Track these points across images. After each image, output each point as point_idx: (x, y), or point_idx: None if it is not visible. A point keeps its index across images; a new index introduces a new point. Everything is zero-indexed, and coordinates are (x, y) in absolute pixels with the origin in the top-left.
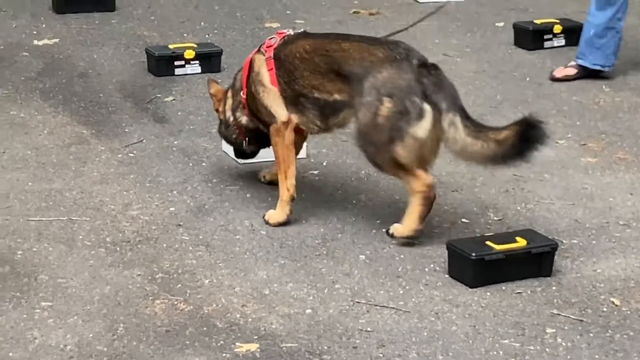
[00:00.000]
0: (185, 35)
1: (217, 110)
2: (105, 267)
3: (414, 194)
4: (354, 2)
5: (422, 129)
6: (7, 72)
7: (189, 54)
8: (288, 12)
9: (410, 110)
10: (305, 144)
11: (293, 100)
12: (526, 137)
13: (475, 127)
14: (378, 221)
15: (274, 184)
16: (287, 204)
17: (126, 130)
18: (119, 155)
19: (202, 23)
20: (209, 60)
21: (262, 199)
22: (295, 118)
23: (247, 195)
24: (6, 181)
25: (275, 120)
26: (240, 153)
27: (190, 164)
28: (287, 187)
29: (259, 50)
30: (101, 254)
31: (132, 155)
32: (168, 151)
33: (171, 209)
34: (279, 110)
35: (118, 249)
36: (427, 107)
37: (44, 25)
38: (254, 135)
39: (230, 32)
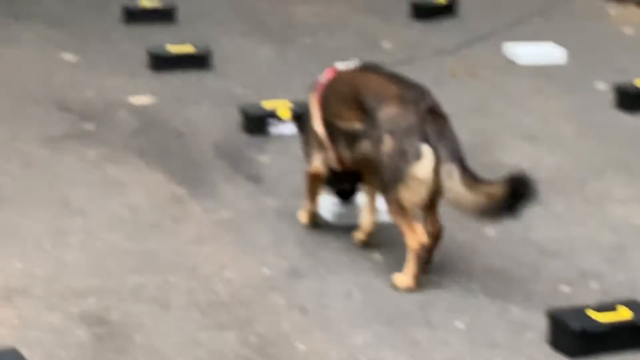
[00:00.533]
0: (280, 94)
1: None
2: (200, 329)
3: (409, 249)
4: (450, 62)
5: (422, 169)
6: (104, 130)
7: (284, 113)
8: None
9: (408, 150)
10: None
11: (328, 131)
12: (516, 192)
13: (471, 179)
14: (474, 287)
15: (367, 244)
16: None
17: (221, 190)
18: (214, 216)
19: (297, 82)
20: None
21: (356, 261)
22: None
23: (342, 257)
24: (103, 241)
25: (309, 165)
26: (340, 194)
27: (285, 225)
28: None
29: (313, 89)
30: (196, 316)
31: (226, 215)
32: (262, 212)
33: (265, 270)
34: (314, 157)
35: (212, 311)
36: (426, 149)
37: (141, 84)
38: (340, 172)
39: None
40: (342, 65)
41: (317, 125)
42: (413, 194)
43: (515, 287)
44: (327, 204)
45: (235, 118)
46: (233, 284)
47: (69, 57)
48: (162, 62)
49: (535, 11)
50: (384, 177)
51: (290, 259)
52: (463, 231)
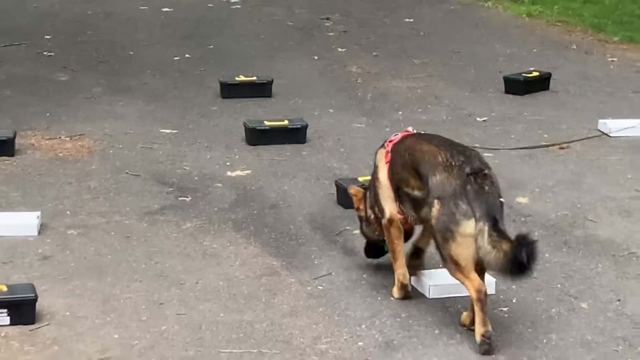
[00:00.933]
0: None
1: (357, 209)
2: None
3: (472, 300)
4: (543, 135)
5: (470, 227)
6: (201, 203)
7: None
8: (476, 144)
9: (455, 212)
10: (495, 279)
11: (397, 191)
12: (520, 251)
13: (497, 236)
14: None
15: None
16: (401, 290)
17: (315, 262)
18: (309, 288)
19: None
20: None
21: (450, 335)
22: (397, 213)
23: (436, 331)
24: (198, 312)
25: (383, 216)
26: (372, 251)
27: (379, 298)
28: (397, 276)
29: (382, 145)
30: None
31: (321, 287)
32: (357, 284)
33: (360, 343)
34: (387, 206)
35: None
36: (471, 210)
37: (237, 157)
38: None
39: None
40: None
41: (385, 178)
42: (464, 250)
43: None
44: (423, 278)
45: (331, 191)
46: (327, 356)
47: (167, 131)
48: (258, 136)
49: (629, 87)
50: (437, 239)
51: (385, 331)
52: (557, 303)
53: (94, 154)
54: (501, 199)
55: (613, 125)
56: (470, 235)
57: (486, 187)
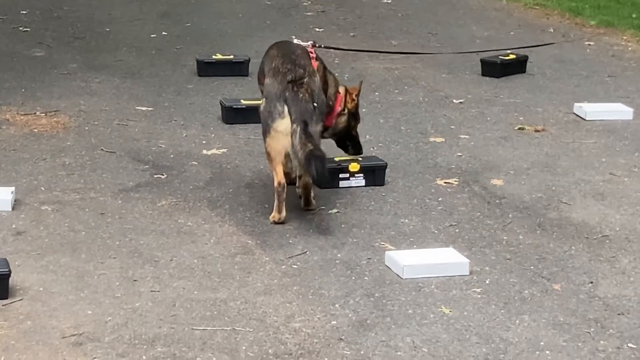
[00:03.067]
0: None
1: None
2: None
3: (273, 187)
4: (519, 118)
5: (282, 125)
6: (176, 180)
7: (354, 167)
8: (452, 126)
9: (273, 111)
10: (468, 261)
11: None
12: (312, 159)
13: (306, 138)
14: (542, 342)
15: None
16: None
17: (290, 241)
18: (283, 267)
19: (367, 136)
20: (373, 173)
21: (424, 315)
22: None
23: (409, 311)
24: (172, 289)
25: None
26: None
27: (353, 277)
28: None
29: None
30: None
31: (295, 266)
32: (331, 264)
33: (333, 322)
34: None
35: None
36: (287, 111)
37: (213, 135)
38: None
39: (395, 145)
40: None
41: None
42: (278, 144)
43: (581, 343)
44: (397, 259)
45: None
46: (300, 335)
47: (143, 108)
48: (234, 115)
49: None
50: (262, 129)
51: (358, 311)
52: (530, 285)
53: (69, 130)
54: (314, 104)
55: (588, 109)
56: (282, 132)
57: (301, 95)
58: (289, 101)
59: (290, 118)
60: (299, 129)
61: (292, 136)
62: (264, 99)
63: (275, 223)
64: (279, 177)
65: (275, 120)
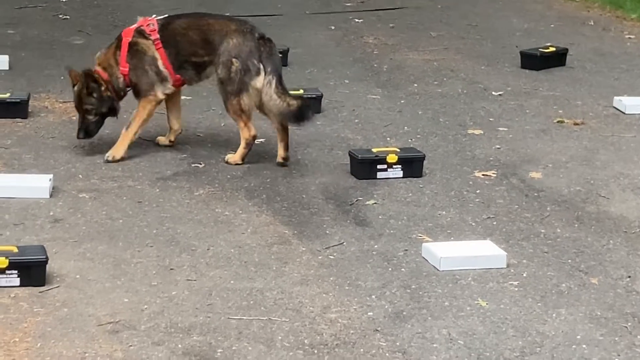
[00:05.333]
0: (388, 139)
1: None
2: None
3: (243, 139)
4: (558, 111)
5: (259, 82)
6: (213, 170)
7: (392, 158)
8: (491, 119)
9: (251, 69)
10: (505, 253)
11: (178, 65)
12: (302, 110)
13: (282, 90)
14: (579, 336)
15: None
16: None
17: (327, 232)
18: (319, 257)
19: (405, 127)
20: (411, 165)
21: (460, 307)
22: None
23: (446, 303)
24: (209, 278)
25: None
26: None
27: (390, 269)
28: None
29: (140, 35)
30: (299, 356)
31: (332, 257)
32: (368, 255)
33: (369, 313)
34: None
35: (316, 351)
36: (262, 67)
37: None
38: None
39: (433, 137)
40: (149, 19)
41: (162, 64)
42: (252, 100)
43: (618, 337)
44: (434, 251)
45: (344, 162)
46: (336, 325)
47: (182, 97)
48: None
49: None
50: (229, 90)
51: (395, 302)
52: (568, 278)
53: (109, 118)
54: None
55: (628, 102)
56: (258, 88)
57: (273, 49)
58: (263, 56)
59: (265, 72)
60: (274, 80)
61: (266, 87)
62: (235, 59)
63: (234, 164)
64: (253, 131)
65: (252, 77)
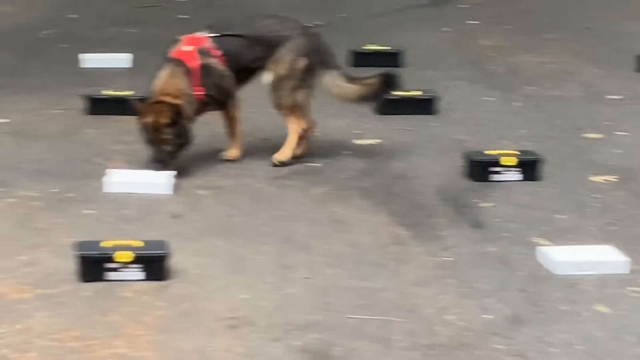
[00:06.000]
0: (503, 141)
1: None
2: None
3: (294, 131)
4: None
5: (325, 78)
6: (329, 170)
7: (509, 161)
8: (609, 123)
9: (316, 66)
10: (629, 259)
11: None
12: (387, 80)
13: (351, 77)
14: None
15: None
16: None
17: (443, 233)
18: (436, 259)
19: (521, 130)
20: (529, 167)
21: (578, 312)
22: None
23: (564, 308)
24: (325, 277)
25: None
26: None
27: (507, 272)
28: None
29: (206, 55)
30: (416, 356)
31: (448, 259)
32: (484, 257)
33: (487, 316)
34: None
35: (433, 353)
36: (324, 63)
37: (366, 126)
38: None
39: (549, 140)
40: (199, 37)
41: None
42: (310, 96)
43: None
44: (551, 254)
45: (459, 164)
46: (454, 327)
47: None
48: (388, 106)
49: None
50: (289, 85)
51: (512, 305)
52: None
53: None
54: None
55: None
56: (325, 83)
57: (327, 46)
58: (323, 53)
59: (328, 67)
60: (338, 72)
61: (333, 81)
62: (301, 57)
63: (283, 164)
64: (304, 124)
65: (318, 74)
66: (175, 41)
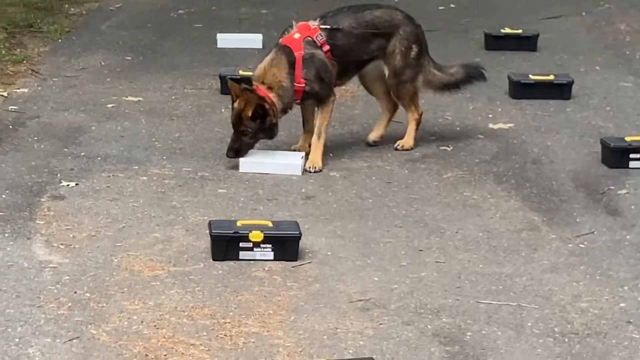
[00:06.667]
0: None
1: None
2: (553, 357)
3: (414, 120)
4: None
5: (426, 63)
6: (462, 153)
7: None
8: None
9: (424, 52)
10: None
11: (342, 70)
12: (471, 73)
13: (438, 65)
14: None
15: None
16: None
17: (577, 220)
18: (570, 245)
19: None
20: None
21: None
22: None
23: None
24: (457, 261)
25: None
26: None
27: None
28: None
29: (312, 46)
30: (549, 343)
31: (582, 246)
32: (620, 245)
33: (621, 304)
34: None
35: (566, 340)
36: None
37: (499, 110)
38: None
39: None
40: (312, 27)
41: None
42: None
43: None
44: None
45: (595, 150)
46: (587, 315)
47: None
48: (522, 90)
49: None
50: (407, 76)
51: None
52: None
53: (357, 99)
54: None
55: None
56: (427, 69)
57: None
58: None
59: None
60: (430, 59)
61: (428, 67)
62: (414, 45)
63: (410, 149)
64: (420, 109)
65: (426, 59)
66: (289, 27)
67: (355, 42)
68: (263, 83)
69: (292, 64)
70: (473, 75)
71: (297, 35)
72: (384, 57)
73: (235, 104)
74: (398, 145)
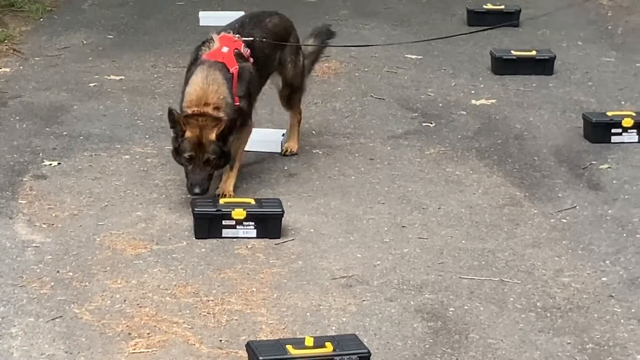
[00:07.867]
0: (622, 102)
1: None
2: (535, 332)
3: (297, 121)
4: None
5: None
6: (444, 129)
7: (628, 122)
8: None
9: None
10: None
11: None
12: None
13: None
14: None
15: None
16: None
17: (559, 195)
18: (552, 220)
19: None
20: None
21: None
22: None
23: None
24: (440, 237)
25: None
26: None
27: (624, 235)
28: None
29: (241, 58)
30: (531, 318)
31: (564, 220)
32: (601, 220)
33: (603, 279)
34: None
35: (548, 314)
36: None
37: (482, 86)
38: None
39: None
40: (234, 39)
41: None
42: None
43: None
44: None
45: (577, 125)
46: (569, 289)
47: (412, 56)
48: (504, 65)
49: None
50: (297, 82)
51: (630, 268)
52: None
53: (340, 76)
54: None
55: None
56: None
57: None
58: None
59: None
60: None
61: None
62: (300, 50)
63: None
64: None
65: (303, 57)
66: (208, 40)
67: (268, 54)
68: (207, 105)
69: (229, 80)
70: (324, 39)
71: (225, 49)
72: (279, 68)
73: (188, 134)
74: (286, 151)
